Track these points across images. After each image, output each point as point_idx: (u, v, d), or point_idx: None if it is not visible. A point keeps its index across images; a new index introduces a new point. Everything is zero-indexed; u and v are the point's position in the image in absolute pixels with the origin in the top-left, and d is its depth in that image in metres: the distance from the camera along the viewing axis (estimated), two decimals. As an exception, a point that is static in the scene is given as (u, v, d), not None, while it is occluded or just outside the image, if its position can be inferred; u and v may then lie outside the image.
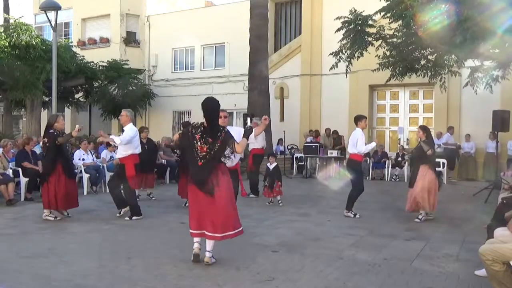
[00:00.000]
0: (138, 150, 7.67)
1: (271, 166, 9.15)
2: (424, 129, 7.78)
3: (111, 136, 7.71)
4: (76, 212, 8.00)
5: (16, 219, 7.42)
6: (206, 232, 4.83)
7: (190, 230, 4.95)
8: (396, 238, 6.32)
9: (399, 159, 14.14)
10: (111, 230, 6.74)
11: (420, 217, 7.51)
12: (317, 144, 14.67)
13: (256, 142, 9.63)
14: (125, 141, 7.32)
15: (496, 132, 11.30)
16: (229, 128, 5.54)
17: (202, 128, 4.78)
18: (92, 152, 11.39)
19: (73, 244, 5.88)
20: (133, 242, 6.00)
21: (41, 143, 10.00)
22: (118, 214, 7.63)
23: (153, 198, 9.71)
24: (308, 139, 15.67)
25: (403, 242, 6.08)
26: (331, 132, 15.82)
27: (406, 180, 12.40)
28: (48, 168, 7.30)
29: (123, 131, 7.59)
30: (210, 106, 4.82)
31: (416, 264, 5.07)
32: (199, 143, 4.73)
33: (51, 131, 7.25)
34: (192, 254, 4.96)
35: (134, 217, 7.43)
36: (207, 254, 4.90)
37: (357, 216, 7.70)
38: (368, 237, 6.35)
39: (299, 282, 4.44)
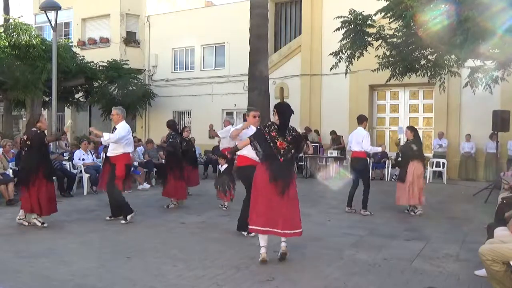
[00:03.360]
0: (130, 149, 7.39)
1: (222, 168, 8.63)
2: (412, 129, 8.42)
3: (104, 133, 7.33)
4: (76, 212, 8.00)
5: (16, 219, 7.40)
6: (276, 230, 4.90)
7: (256, 227, 4.96)
8: (396, 238, 6.33)
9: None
10: (111, 230, 6.74)
11: (416, 211, 8.08)
12: (317, 144, 14.68)
13: (226, 141, 9.33)
14: (114, 139, 7.04)
15: (496, 133, 11.30)
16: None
17: (276, 126, 5.05)
18: (92, 152, 11.39)
19: (73, 244, 5.87)
20: (133, 242, 6.00)
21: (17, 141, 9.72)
22: (108, 218, 7.36)
23: None
24: None
25: (403, 242, 6.09)
26: (313, 130, 15.98)
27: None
28: (31, 170, 6.70)
29: (114, 129, 7.31)
30: (284, 110, 5.20)
31: (416, 264, 5.08)
32: (279, 139, 4.98)
33: (34, 129, 6.79)
34: (264, 258, 4.95)
35: (128, 217, 7.14)
36: (284, 244, 5.02)
37: (372, 213, 8.08)
38: (368, 237, 6.35)
39: (299, 282, 4.44)
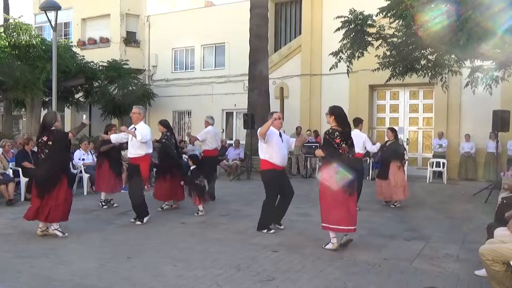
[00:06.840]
0: (151, 149, 7.32)
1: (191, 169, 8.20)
2: (393, 130, 9.18)
3: (135, 132, 7.01)
4: (76, 212, 7.99)
5: (16, 219, 7.38)
6: (344, 227, 5.42)
7: (330, 225, 5.48)
8: (396, 238, 6.33)
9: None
10: (111, 230, 6.75)
11: (396, 204, 8.89)
12: (317, 144, 14.67)
13: (207, 142, 9.21)
14: (146, 138, 6.95)
15: (496, 132, 11.29)
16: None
17: (338, 132, 5.37)
18: (92, 152, 11.38)
19: (73, 244, 5.88)
20: (133, 242, 6.00)
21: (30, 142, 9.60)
22: (132, 220, 7.24)
23: (114, 205, 8.69)
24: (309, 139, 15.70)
25: (403, 242, 6.09)
26: (312, 131, 16.01)
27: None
28: (53, 174, 6.04)
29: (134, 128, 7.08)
30: (341, 113, 5.56)
31: (416, 264, 5.08)
32: (343, 144, 5.35)
33: (53, 128, 6.14)
34: (336, 247, 5.48)
35: (145, 219, 7.10)
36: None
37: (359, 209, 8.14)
38: (368, 237, 6.35)
39: (299, 282, 4.44)
